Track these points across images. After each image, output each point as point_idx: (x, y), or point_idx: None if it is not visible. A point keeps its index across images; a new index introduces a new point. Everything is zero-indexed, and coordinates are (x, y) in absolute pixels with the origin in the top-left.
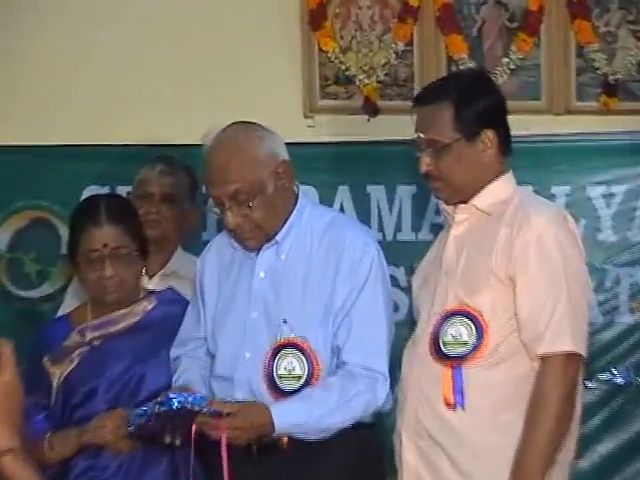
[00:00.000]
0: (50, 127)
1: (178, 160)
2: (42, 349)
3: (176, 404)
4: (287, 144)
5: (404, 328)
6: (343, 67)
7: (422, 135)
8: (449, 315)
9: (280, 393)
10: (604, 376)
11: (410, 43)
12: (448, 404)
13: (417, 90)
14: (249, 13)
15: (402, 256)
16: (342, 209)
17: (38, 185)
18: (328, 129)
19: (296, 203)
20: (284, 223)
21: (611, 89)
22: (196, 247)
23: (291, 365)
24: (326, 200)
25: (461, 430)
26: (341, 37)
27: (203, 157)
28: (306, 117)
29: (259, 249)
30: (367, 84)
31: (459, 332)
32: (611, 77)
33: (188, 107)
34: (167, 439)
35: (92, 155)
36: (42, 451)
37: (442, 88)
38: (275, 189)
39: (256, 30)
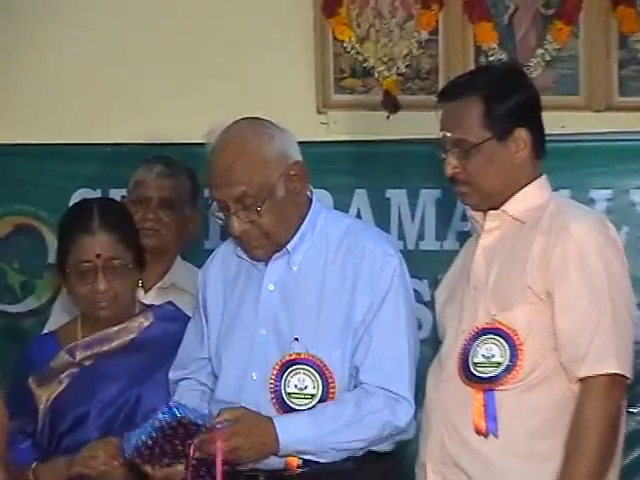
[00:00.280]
0: (35, 124)
1: (178, 161)
2: (27, 369)
3: (178, 414)
4: (298, 143)
5: (428, 347)
6: (360, 58)
7: (448, 134)
8: (479, 333)
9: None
10: None
11: (434, 32)
12: (479, 431)
13: (442, 84)
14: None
15: (425, 267)
16: (359, 215)
17: (22, 188)
18: (343, 126)
19: (309, 208)
20: (296, 231)
21: None
22: (197, 257)
23: (302, 383)
24: (341, 205)
25: (493, 459)
26: (358, 25)
27: (206, 157)
28: (319, 113)
29: (268, 259)
30: (387, 77)
31: (491, 352)
32: None
33: (189, 103)
34: (166, 461)
35: (82, 155)
36: None
37: (471, 82)
38: (286, 193)
39: (264, 17)
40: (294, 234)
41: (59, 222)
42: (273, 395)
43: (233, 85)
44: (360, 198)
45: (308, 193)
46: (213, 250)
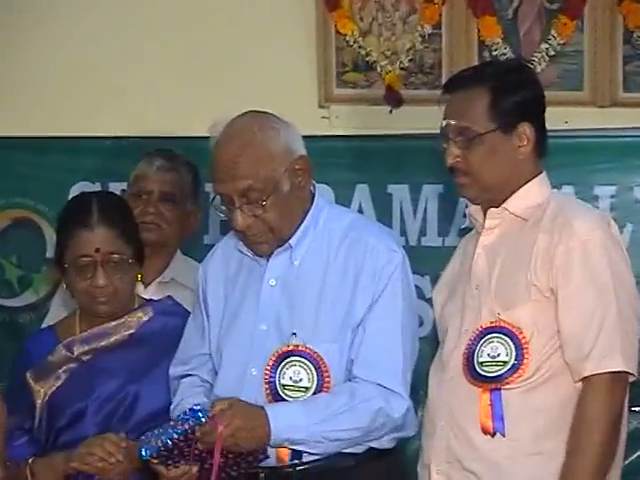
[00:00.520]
0: (34, 117)
1: (179, 154)
2: (25, 364)
3: (203, 418)
4: None
5: (429, 345)
6: (363, 52)
7: (452, 122)
8: (484, 332)
9: None
10: None
11: (438, 26)
12: (486, 431)
13: (445, 78)
14: None
15: (427, 264)
16: (360, 210)
17: (21, 182)
18: (345, 121)
19: (312, 203)
20: (299, 225)
21: None
22: (197, 252)
23: (297, 375)
24: (343, 200)
25: (499, 459)
26: (361, 19)
27: (207, 151)
28: (321, 107)
29: (270, 254)
30: (389, 71)
31: (496, 351)
32: None
33: (190, 96)
34: (182, 462)
35: (82, 148)
36: (23, 479)
37: (479, 74)
38: (291, 188)
39: (266, 10)
40: (297, 229)
41: (58, 216)
42: (267, 387)
43: (235, 79)
44: (362, 193)
45: (312, 188)
46: (213, 245)
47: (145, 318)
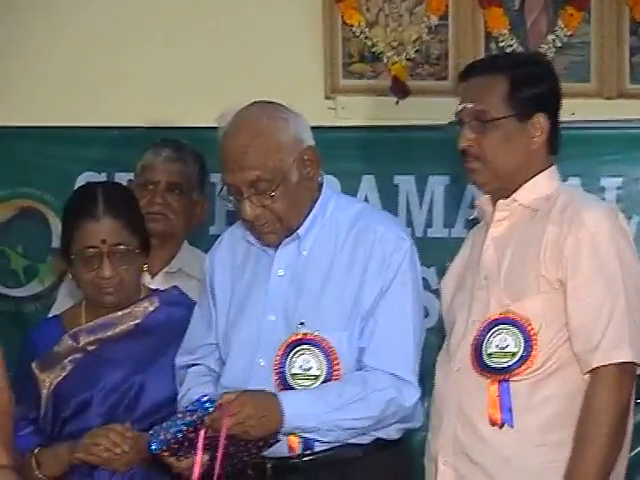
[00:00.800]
0: (40, 107)
1: (186, 145)
2: (31, 354)
3: (211, 409)
4: None
5: (434, 335)
6: (369, 43)
7: (469, 105)
8: (493, 324)
9: None
10: None
11: (444, 16)
12: (494, 422)
13: (451, 69)
14: None
15: (433, 255)
16: (366, 201)
17: (26, 171)
18: (352, 112)
19: (320, 193)
20: (307, 215)
21: None
22: (203, 242)
23: (307, 364)
24: (349, 191)
25: (506, 450)
26: (367, 9)
27: (213, 141)
28: (327, 98)
29: (278, 244)
30: (396, 62)
31: (505, 342)
32: None
33: (197, 87)
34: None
35: (88, 138)
36: (28, 469)
37: (498, 62)
38: (299, 178)
39: (273, 1)
40: (305, 219)
41: (64, 207)
42: (277, 376)
43: (241, 70)
44: (368, 184)
45: (319, 178)
46: (218, 236)
47: (151, 308)
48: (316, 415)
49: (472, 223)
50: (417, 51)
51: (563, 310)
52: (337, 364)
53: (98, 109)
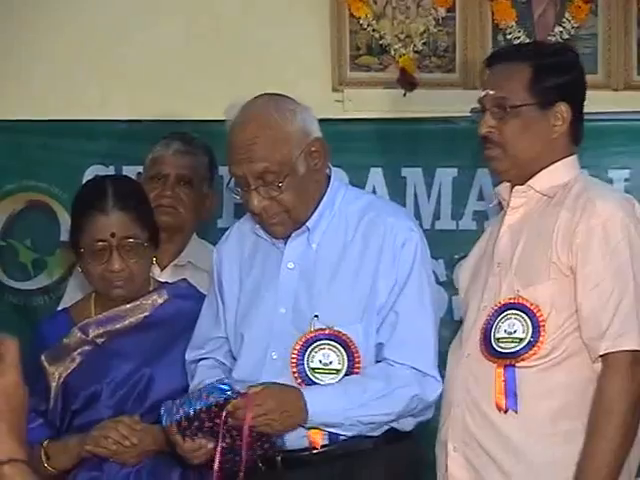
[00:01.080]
0: (48, 100)
1: (196, 138)
2: (40, 347)
3: (229, 392)
4: None
5: (444, 327)
6: (377, 35)
7: (491, 92)
8: (502, 309)
9: None
10: None
11: (452, 8)
12: (499, 407)
13: (459, 62)
14: None
15: (441, 247)
16: (375, 193)
17: (35, 165)
18: (359, 104)
19: (328, 186)
20: (315, 208)
21: None
22: (211, 236)
23: (327, 358)
24: (357, 184)
25: (514, 438)
26: (375, 2)
27: (222, 134)
28: (334, 91)
29: (287, 237)
30: (403, 54)
31: (513, 327)
32: None
33: (205, 79)
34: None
35: (96, 131)
36: (38, 462)
37: (524, 50)
38: (307, 170)
39: None
40: (313, 211)
41: (72, 200)
42: (296, 370)
43: (249, 62)
44: (375, 177)
45: (327, 170)
46: (226, 229)
47: (160, 301)
48: (340, 412)
49: (481, 215)
50: (424, 43)
51: (573, 297)
52: (358, 357)
53: (106, 102)
